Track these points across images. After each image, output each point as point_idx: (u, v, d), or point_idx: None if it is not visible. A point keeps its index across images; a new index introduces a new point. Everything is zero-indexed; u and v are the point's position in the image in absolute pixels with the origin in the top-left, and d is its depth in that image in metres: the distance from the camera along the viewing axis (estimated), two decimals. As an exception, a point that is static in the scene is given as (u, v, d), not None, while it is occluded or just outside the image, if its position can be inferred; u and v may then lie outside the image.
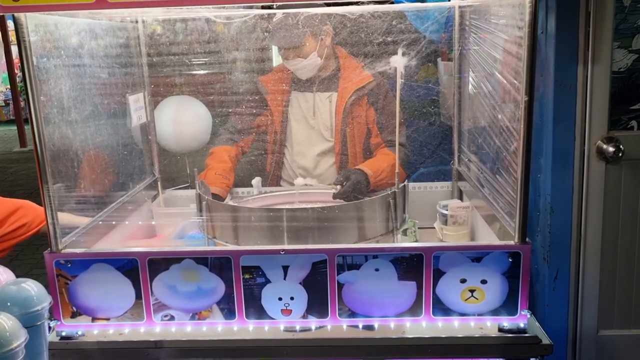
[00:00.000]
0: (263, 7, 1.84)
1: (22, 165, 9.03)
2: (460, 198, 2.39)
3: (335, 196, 2.08)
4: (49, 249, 1.64)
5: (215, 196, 2.20)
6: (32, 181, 8.03)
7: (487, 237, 1.95)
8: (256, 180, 2.41)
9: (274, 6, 1.44)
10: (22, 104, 11.34)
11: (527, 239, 1.58)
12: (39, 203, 2.00)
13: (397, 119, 1.89)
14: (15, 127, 10.53)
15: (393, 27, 2.19)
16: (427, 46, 2.54)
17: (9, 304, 1.29)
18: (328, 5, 2.03)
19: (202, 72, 2.59)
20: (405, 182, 1.90)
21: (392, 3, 2.21)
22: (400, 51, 1.90)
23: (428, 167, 2.97)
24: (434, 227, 2.27)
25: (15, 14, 1.46)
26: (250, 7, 1.96)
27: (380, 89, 2.39)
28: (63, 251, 1.65)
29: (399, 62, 1.88)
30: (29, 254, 5.08)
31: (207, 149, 2.57)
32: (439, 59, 3.19)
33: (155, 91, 2.42)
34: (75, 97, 1.88)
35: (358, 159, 2.39)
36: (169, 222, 2.28)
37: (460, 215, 2.13)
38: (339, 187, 2.11)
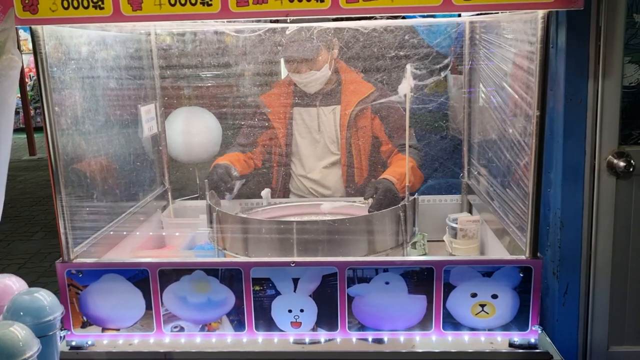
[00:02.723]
0: (276, 21, 1.86)
1: (31, 173, 9.09)
2: (470, 211, 2.39)
3: (370, 210, 2.04)
4: (61, 258, 1.65)
5: (222, 166, 2.24)
6: (40, 189, 8.08)
7: (497, 251, 1.94)
8: (265, 192, 2.41)
9: (289, 20, 1.46)
10: (32, 112, 11.46)
11: (538, 254, 1.58)
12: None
13: (406, 134, 1.89)
14: (24, 136, 10.61)
15: (404, 42, 2.21)
16: (437, 60, 2.56)
17: (21, 313, 1.29)
18: (339, 20, 2.05)
19: (212, 83, 2.61)
20: (416, 196, 1.90)
21: (404, 18, 2.23)
22: (409, 67, 1.90)
23: (436, 179, 2.97)
24: (443, 240, 2.27)
25: (32, 27, 1.48)
26: (258, 21, 1.97)
27: (383, 97, 2.39)
28: (74, 261, 1.66)
29: (407, 76, 1.88)
30: (37, 262, 5.10)
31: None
32: (448, 72, 3.20)
33: (166, 102, 2.44)
34: (88, 107, 1.90)
35: (364, 170, 2.40)
36: (178, 233, 2.29)
37: (470, 229, 2.12)
38: (370, 200, 2.07)
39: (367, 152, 2.42)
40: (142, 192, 2.31)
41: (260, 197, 2.41)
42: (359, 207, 2.16)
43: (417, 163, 2.35)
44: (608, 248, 2.32)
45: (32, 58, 1.75)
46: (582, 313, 2.38)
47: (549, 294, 2.42)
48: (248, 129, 2.51)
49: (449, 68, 2.77)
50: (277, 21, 1.86)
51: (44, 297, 1.34)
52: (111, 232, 1.96)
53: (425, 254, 2.18)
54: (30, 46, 1.56)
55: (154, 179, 2.45)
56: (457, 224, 2.13)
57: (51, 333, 1.34)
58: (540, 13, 1.43)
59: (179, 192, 2.59)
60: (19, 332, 1.17)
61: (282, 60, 2.88)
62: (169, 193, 2.53)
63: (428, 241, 2.22)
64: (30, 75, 11.99)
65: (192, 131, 2.62)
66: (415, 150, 2.40)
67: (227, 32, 2.04)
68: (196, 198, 2.58)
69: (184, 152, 2.62)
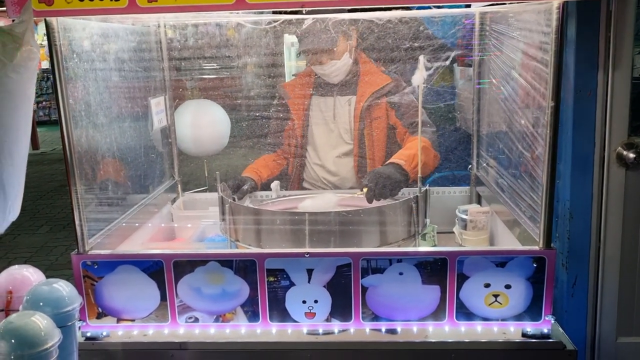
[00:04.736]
0: (291, 12, 1.86)
1: (34, 167, 9.08)
2: (479, 203, 2.40)
3: (368, 198, 2.01)
4: (76, 250, 1.66)
5: (244, 179, 2.31)
6: (44, 183, 8.09)
7: (508, 241, 1.95)
8: (275, 184, 2.42)
9: (304, 11, 1.46)
10: (35, 106, 11.43)
11: (551, 245, 1.59)
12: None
13: (419, 125, 1.90)
14: (27, 130, 10.60)
15: (411, 33, 2.20)
16: (445, 52, 2.55)
17: (41, 303, 1.30)
18: (348, 11, 2.04)
19: (221, 76, 2.61)
20: (427, 187, 1.90)
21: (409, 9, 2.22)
22: (422, 58, 1.89)
23: (444, 172, 2.98)
24: (452, 232, 2.27)
25: (47, 18, 1.48)
26: (261, 13, 1.97)
27: (399, 89, 2.40)
28: (90, 252, 1.67)
29: (420, 67, 1.88)
30: (43, 256, 5.12)
31: (226, 153, 2.58)
32: (455, 64, 3.20)
33: (180, 94, 2.44)
34: (100, 100, 1.90)
35: (377, 161, 2.39)
36: (190, 225, 2.29)
37: (480, 220, 2.13)
38: (365, 189, 2.06)
39: (381, 144, 2.42)
40: (152, 185, 2.32)
41: (270, 189, 2.42)
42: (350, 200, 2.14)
43: (430, 142, 2.32)
44: (617, 239, 2.32)
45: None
46: (590, 304, 2.39)
47: (557, 285, 2.42)
48: (274, 125, 2.55)
49: (453, 56, 2.76)
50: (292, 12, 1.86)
51: (63, 288, 1.35)
52: (123, 224, 1.97)
53: (434, 246, 2.18)
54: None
55: (164, 171, 2.46)
56: (467, 215, 2.14)
57: (70, 323, 1.35)
58: (556, 3, 1.43)
59: (189, 185, 2.60)
60: (41, 321, 1.19)
61: (285, 52, 2.88)
62: (179, 185, 2.53)
63: (437, 233, 2.23)
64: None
65: (201, 124, 2.61)
66: (428, 128, 2.38)
67: (242, 24, 2.03)
68: (205, 190, 2.59)
69: (193, 145, 2.61)
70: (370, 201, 1.99)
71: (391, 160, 2.20)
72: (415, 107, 2.39)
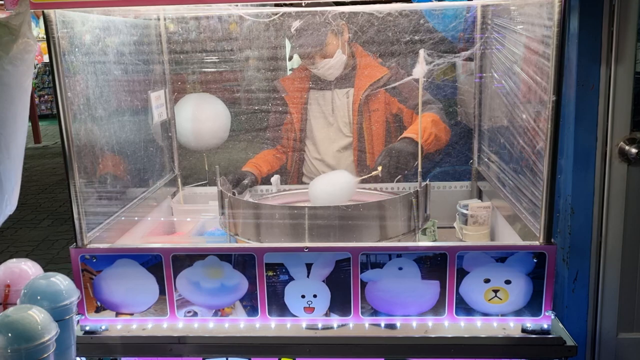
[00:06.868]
0: (291, 5, 1.84)
1: (36, 161, 9.11)
2: (480, 198, 2.39)
3: (384, 175, 2.00)
4: (75, 243, 1.66)
5: (244, 173, 2.34)
6: (46, 177, 8.10)
7: (508, 237, 1.94)
8: (275, 178, 2.41)
9: (303, 4, 1.44)
10: (36, 100, 11.44)
11: (552, 240, 1.58)
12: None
13: (419, 122, 1.88)
14: (29, 123, 10.62)
15: (412, 27, 2.19)
16: (446, 46, 2.53)
17: (38, 297, 1.30)
18: (344, 4, 2.02)
19: (222, 69, 2.60)
20: (427, 181, 1.89)
21: (411, 2, 2.20)
22: (422, 51, 1.88)
23: (445, 167, 2.96)
24: (453, 227, 2.27)
25: (45, 11, 1.47)
26: (278, 5, 1.95)
27: (397, 79, 2.39)
28: (88, 246, 1.67)
29: (421, 61, 1.87)
30: (44, 250, 5.13)
31: (226, 147, 2.58)
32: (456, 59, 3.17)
33: (179, 88, 2.44)
34: (99, 93, 1.89)
35: (377, 154, 2.39)
36: (190, 219, 2.29)
37: (480, 215, 2.12)
38: (379, 168, 2.04)
39: (380, 136, 2.41)
40: (152, 179, 2.31)
41: (270, 183, 2.42)
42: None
43: (439, 116, 2.31)
44: (618, 235, 2.31)
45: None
46: (591, 300, 2.38)
47: (558, 281, 2.42)
48: (273, 120, 2.56)
49: (460, 54, 2.74)
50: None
51: (61, 282, 1.35)
52: (122, 218, 1.96)
53: (435, 241, 2.18)
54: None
55: (164, 165, 2.45)
56: (467, 210, 2.13)
57: (68, 317, 1.34)
58: (557, -4, 1.41)
59: (189, 179, 2.59)
60: (38, 315, 1.18)
61: (287, 47, 2.87)
62: (179, 179, 2.53)
63: (438, 228, 2.22)
64: (34, 63, 11.94)
65: (201, 118, 2.60)
66: (435, 105, 2.38)
67: (242, 17, 2.02)
68: (205, 184, 2.59)
69: (193, 139, 2.60)
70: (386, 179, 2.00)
71: (402, 135, 2.19)
72: (417, 88, 2.38)
